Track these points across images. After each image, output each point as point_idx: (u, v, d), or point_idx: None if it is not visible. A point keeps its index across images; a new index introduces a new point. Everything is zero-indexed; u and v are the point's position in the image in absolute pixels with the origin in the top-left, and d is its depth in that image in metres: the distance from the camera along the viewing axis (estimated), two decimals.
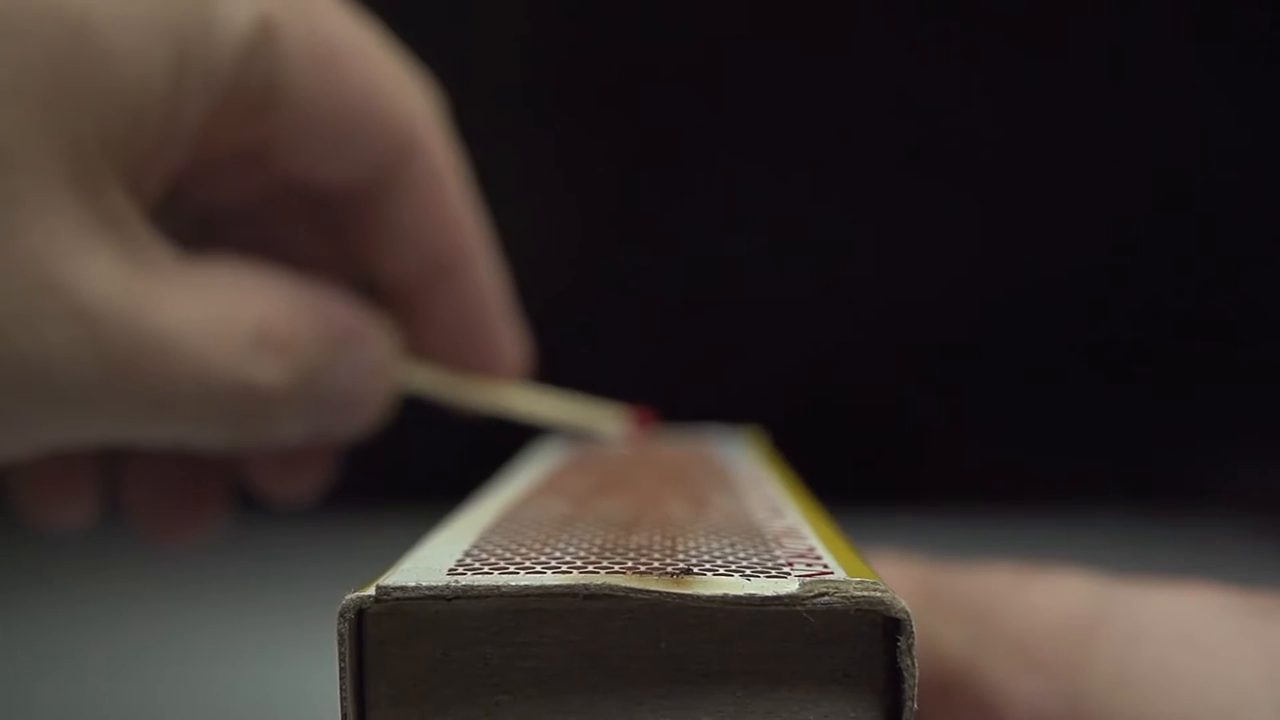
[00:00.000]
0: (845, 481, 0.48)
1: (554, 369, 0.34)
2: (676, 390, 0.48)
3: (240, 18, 0.22)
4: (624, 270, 0.73)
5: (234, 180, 0.27)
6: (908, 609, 0.14)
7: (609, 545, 0.16)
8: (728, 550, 0.15)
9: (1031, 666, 0.21)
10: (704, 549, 0.15)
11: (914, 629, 0.14)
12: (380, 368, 0.26)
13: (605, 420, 0.30)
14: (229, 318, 0.23)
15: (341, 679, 0.14)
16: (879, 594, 0.14)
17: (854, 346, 0.72)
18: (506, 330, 0.29)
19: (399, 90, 0.26)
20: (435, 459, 0.35)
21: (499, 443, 0.30)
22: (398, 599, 0.14)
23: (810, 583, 0.14)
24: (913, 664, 0.14)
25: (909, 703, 0.14)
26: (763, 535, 0.17)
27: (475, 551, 0.15)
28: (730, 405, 0.43)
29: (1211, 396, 0.70)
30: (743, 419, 0.37)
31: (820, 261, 0.72)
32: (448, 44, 0.69)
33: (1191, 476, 0.67)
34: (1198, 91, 0.70)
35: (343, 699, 0.14)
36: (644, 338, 0.73)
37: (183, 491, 0.28)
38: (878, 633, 0.14)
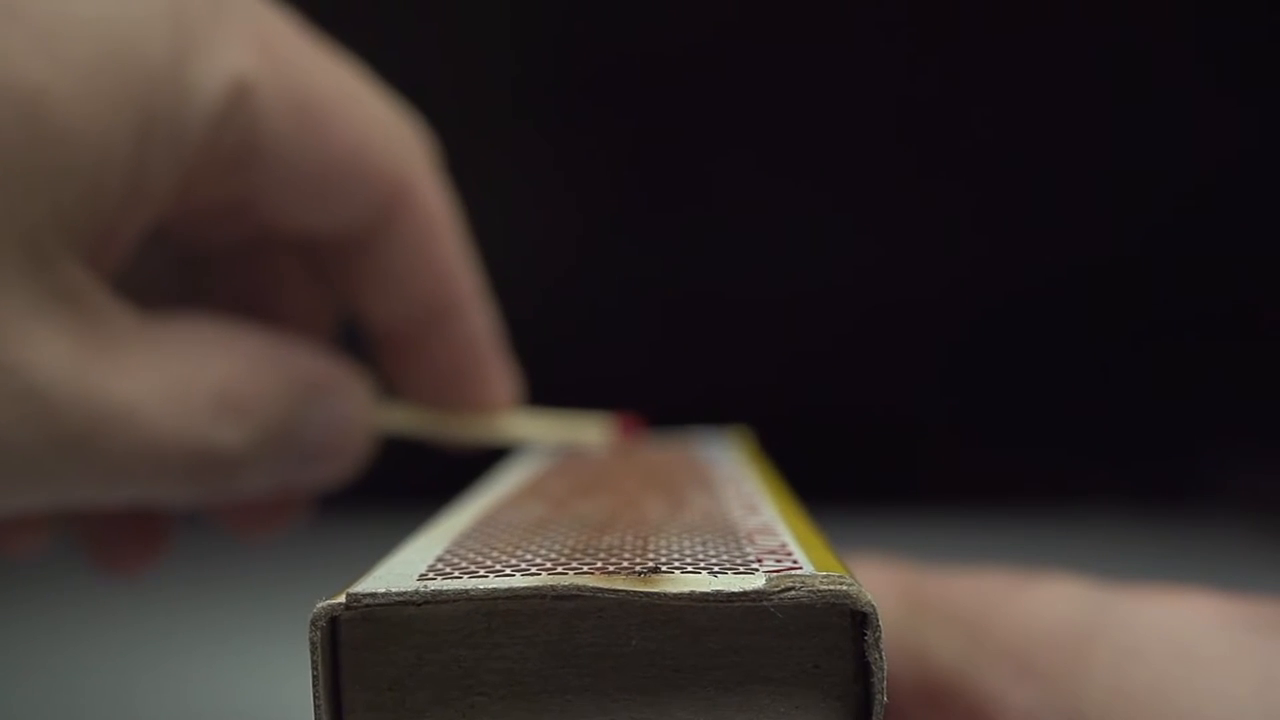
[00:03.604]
0: (842, 482, 0.48)
1: (549, 371, 0.34)
2: (669, 391, 0.49)
3: (212, 83, 0.22)
4: (617, 270, 0.73)
5: (217, 228, 0.27)
6: (874, 602, 0.14)
7: (580, 546, 0.16)
8: (699, 548, 0.16)
9: (1026, 676, 0.21)
10: (675, 547, 0.16)
11: (880, 622, 0.14)
12: (353, 417, 0.26)
13: (591, 431, 0.30)
14: (189, 382, 0.23)
15: (315, 686, 0.14)
16: (845, 588, 0.14)
17: (851, 347, 0.72)
18: (497, 371, 0.29)
19: (387, 139, 0.26)
20: (420, 462, 0.35)
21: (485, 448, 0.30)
22: (368, 605, 0.14)
23: (777, 578, 0.14)
24: (880, 657, 0.14)
25: (879, 696, 0.14)
26: (735, 533, 0.17)
27: (448, 556, 0.16)
28: (726, 406, 0.44)
29: (1211, 396, 0.70)
30: (738, 420, 0.37)
31: (817, 261, 0.72)
32: (442, 43, 0.70)
33: (1191, 476, 0.67)
34: (1197, 91, 0.71)
35: (316, 706, 0.14)
36: (637, 338, 0.73)
37: (130, 526, 0.28)
38: (846, 625, 0.14)
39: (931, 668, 0.23)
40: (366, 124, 0.25)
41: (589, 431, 0.30)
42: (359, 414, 0.26)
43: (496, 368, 0.29)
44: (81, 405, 0.21)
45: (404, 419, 0.29)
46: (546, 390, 0.34)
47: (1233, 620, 0.21)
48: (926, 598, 0.24)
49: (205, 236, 0.27)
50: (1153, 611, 0.21)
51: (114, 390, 0.21)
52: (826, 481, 0.37)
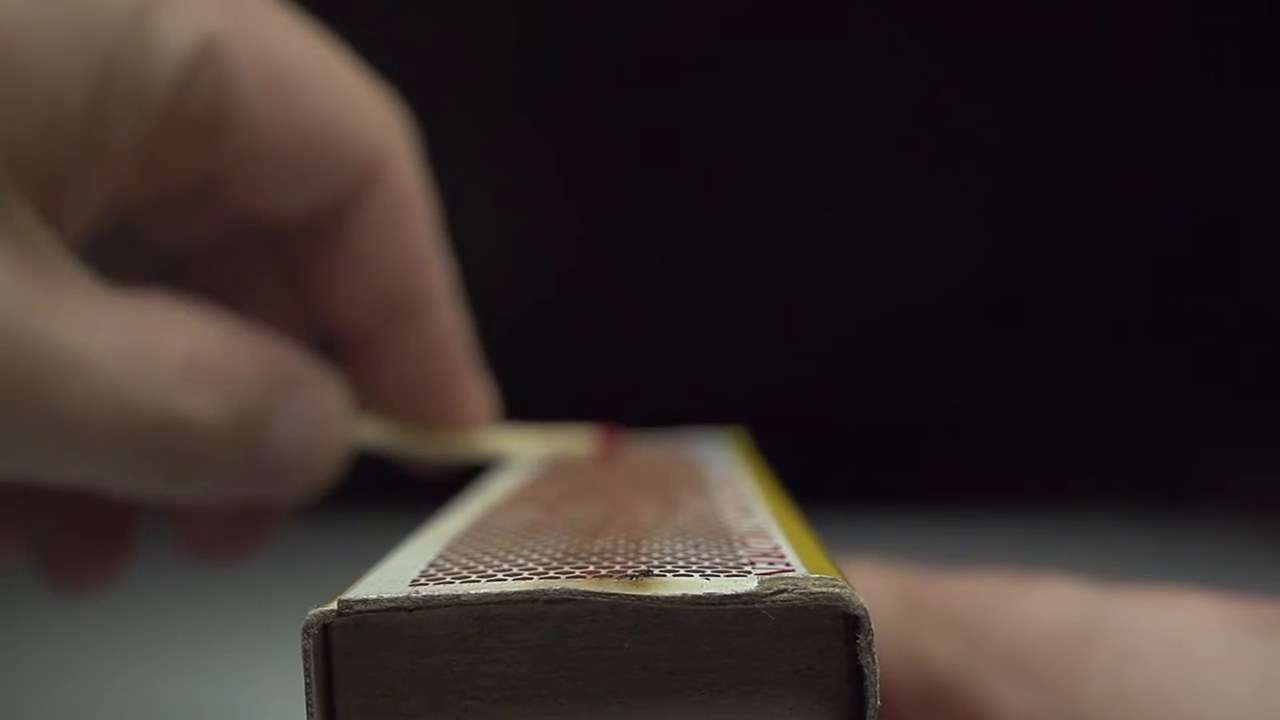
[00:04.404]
0: (841, 483, 0.48)
1: (546, 371, 0.34)
2: (667, 391, 0.49)
3: (178, 38, 0.21)
4: (616, 270, 0.73)
5: (188, 216, 0.26)
6: (866, 605, 0.14)
7: (572, 550, 0.16)
8: (691, 551, 0.15)
9: (1025, 679, 0.21)
10: (667, 550, 0.16)
11: (873, 625, 0.14)
12: (327, 421, 0.25)
13: (572, 443, 0.29)
14: (155, 345, 0.21)
15: (308, 694, 0.14)
16: (837, 590, 0.14)
17: (851, 347, 0.72)
18: (469, 381, 0.28)
19: (362, 112, 0.25)
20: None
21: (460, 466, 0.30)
22: (360, 612, 0.14)
23: (769, 580, 0.14)
24: (873, 660, 0.14)
25: (872, 699, 0.14)
26: (729, 535, 0.17)
27: (440, 561, 0.16)
28: (725, 406, 0.44)
29: (1211, 396, 0.70)
30: (738, 420, 0.37)
31: (817, 261, 0.72)
32: (441, 42, 0.70)
33: (1191, 476, 0.67)
34: (1197, 91, 0.70)
35: (310, 713, 0.14)
36: (636, 338, 0.73)
37: (89, 534, 0.26)
38: (839, 627, 0.14)
39: (929, 671, 0.23)
40: (341, 96, 0.24)
41: (570, 444, 0.29)
42: (333, 419, 0.25)
43: (469, 377, 0.28)
44: (28, 346, 0.20)
45: (377, 434, 0.27)
46: (544, 391, 0.34)
47: (1232, 622, 0.21)
48: (924, 600, 0.24)
49: (174, 228, 0.26)
50: (1151, 613, 0.21)
51: (69, 338, 0.20)
52: (825, 482, 0.37)
